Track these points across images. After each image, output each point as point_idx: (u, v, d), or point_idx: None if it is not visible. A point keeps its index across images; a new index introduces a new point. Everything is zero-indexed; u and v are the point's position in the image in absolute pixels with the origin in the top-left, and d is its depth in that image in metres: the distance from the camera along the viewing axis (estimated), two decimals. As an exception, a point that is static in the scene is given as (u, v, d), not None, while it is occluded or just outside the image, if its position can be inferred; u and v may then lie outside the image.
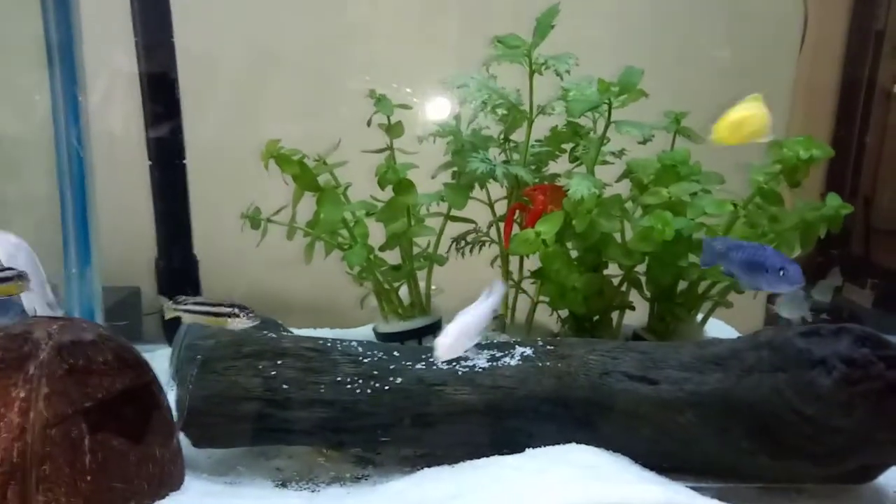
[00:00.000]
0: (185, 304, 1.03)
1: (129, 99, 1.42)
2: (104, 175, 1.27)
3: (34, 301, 1.13)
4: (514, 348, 1.00)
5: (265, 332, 1.03)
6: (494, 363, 0.98)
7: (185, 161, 1.31)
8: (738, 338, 0.95)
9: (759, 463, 0.89)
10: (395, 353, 1.01)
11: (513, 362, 0.98)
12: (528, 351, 0.99)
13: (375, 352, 1.01)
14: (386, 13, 1.56)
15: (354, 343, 1.02)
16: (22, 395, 0.81)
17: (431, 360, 0.99)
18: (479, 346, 1.01)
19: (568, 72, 1.11)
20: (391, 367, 0.98)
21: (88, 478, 0.81)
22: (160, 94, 1.39)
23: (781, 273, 0.92)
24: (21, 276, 1.00)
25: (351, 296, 1.33)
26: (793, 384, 0.86)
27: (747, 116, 0.92)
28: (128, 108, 1.42)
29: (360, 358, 0.99)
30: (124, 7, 1.39)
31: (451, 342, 0.91)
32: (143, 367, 0.90)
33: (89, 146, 1.22)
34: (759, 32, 1.84)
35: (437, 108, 1.32)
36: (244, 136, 1.27)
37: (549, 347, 1.00)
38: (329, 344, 1.00)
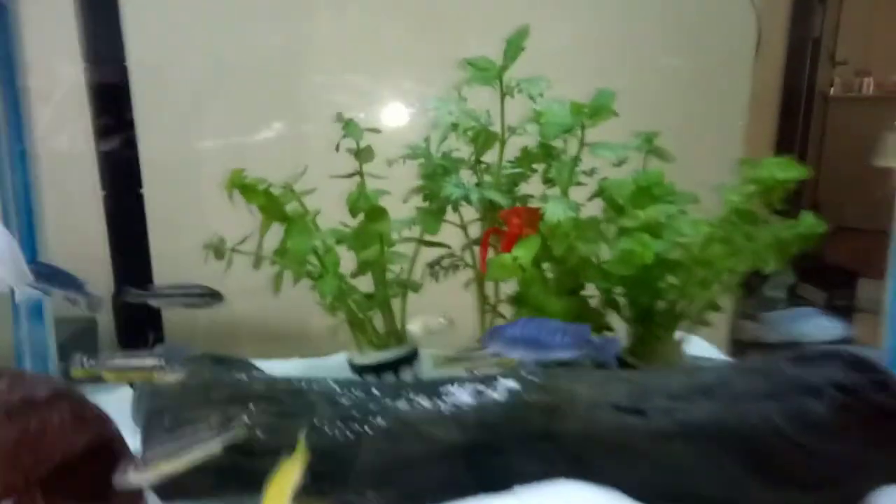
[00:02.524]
0: (102, 362, 0.89)
1: (79, 120, 1.32)
2: (55, 202, 1.17)
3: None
4: (497, 381, 0.94)
5: (235, 373, 0.94)
6: (479, 399, 0.92)
7: (141, 190, 1.21)
8: (728, 364, 0.91)
9: (752, 492, 0.85)
10: (374, 391, 0.94)
11: (498, 397, 0.92)
12: (514, 384, 0.93)
13: (353, 390, 0.93)
14: (358, 30, 1.49)
15: (331, 381, 0.95)
16: (-33, 464, 0.71)
17: (412, 397, 0.92)
18: (462, 381, 0.95)
19: (541, 95, 1.06)
20: (370, 406, 0.91)
21: (45, 551, 0.72)
22: (112, 116, 1.29)
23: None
24: None
25: (323, 323, 1.25)
26: (784, 412, 0.82)
27: None
28: (77, 132, 1.32)
29: (338, 398, 0.91)
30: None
31: None
32: (104, 423, 0.81)
33: (36, 172, 1.12)
34: (713, 42, 1.83)
35: (408, 129, 1.25)
36: (207, 161, 1.18)
37: (534, 379, 0.94)
38: (304, 385, 0.93)
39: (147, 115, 1.35)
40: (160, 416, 0.89)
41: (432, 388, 0.94)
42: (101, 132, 1.28)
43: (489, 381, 0.95)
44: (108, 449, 0.80)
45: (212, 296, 1.09)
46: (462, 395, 0.92)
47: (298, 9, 1.48)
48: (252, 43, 1.46)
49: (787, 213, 1.04)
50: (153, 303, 1.08)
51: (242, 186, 0.99)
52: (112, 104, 1.29)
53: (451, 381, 0.96)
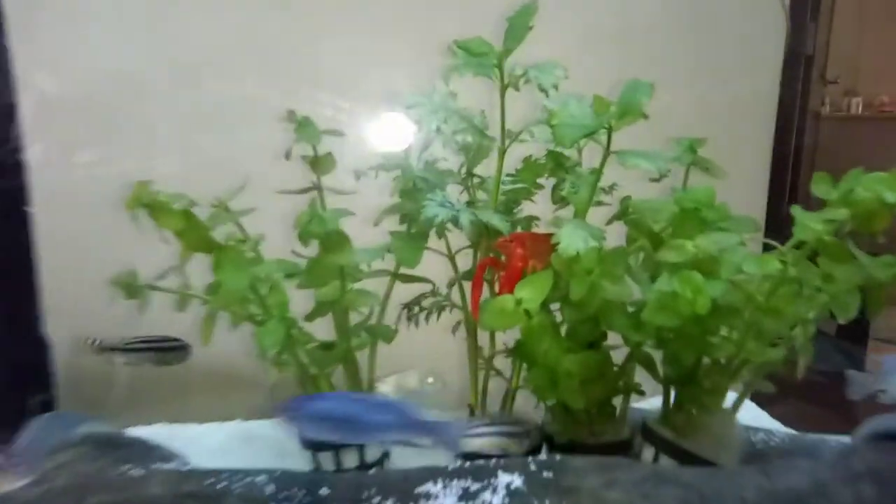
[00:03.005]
0: None
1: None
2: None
3: None
4: (496, 476, 0.68)
5: (128, 465, 0.68)
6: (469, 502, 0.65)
7: (29, 209, 0.95)
8: (817, 456, 0.66)
9: None
10: (324, 491, 0.67)
11: (496, 502, 0.65)
12: (517, 481, 0.67)
13: (294, 491, 0.67)
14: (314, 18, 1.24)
15: (263, 478, 0.68)
16: None
17: (378, 502, 0.66)
18: (447, 474, 0.69)
19: (556, 87, 0.81)
20: (315, 518, 0.64)
21: None
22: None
23: None
24: None
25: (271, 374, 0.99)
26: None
27: None
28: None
29: (265, 501, 0.65)
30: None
31: None
32: None
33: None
34: (742, 47, 1.61)
35: (383, 134, 1.00)
36: (117, 174, 0.92)
37: (546, 475, 0.68)
38: (222, 485, 0.66)
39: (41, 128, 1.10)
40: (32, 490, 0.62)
41: (407, 488, 0.68)
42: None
43: (485, 475, 0.69)
44: None
45: (183, 349, 0.99)
46: (446, 500, 0.66)
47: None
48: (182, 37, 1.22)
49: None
50: (120, 360, 0.88)
51: (152, 205, 0.73)
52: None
53: (434, 474, 0.70)
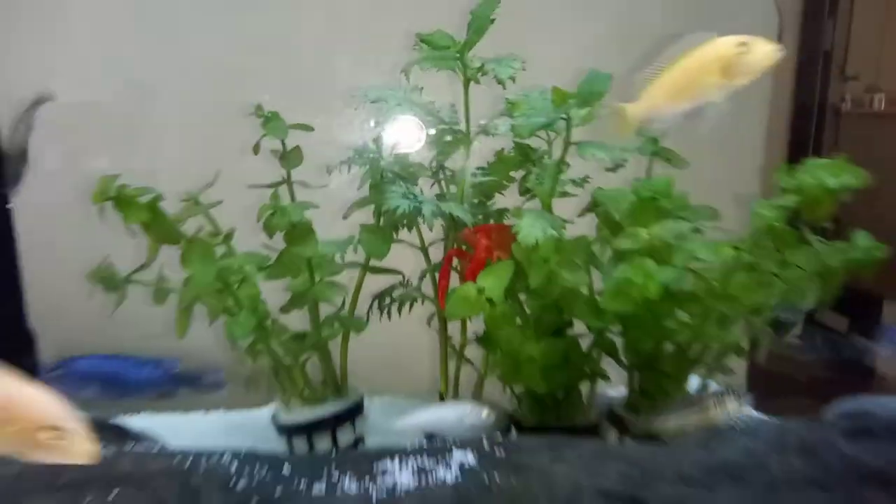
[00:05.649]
0: None
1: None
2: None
3: None
4: (450, 454, 0.75)
5: (101, 445, 0.75)
6: (423, 480, 0.72)
7: (9, 206, 1.03)
8: (756, 433, 0.72)
9: None
10: (285, 471, 0.74)
11: (448, 478, 0.72)
12: (471, 459, 0.74)
13: (256, 469, 0.74)
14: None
15: (227, 457, 0.75)
16: None
17: (336, 477, 0.73)
18: (405, 453, 0.76)
19: (512, 79, 0.88)
20: (277, 493, 0.71)
21: None
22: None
23: None
24: None
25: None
26: (842, 508, 0.62)
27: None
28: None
29: (233, 483, 0.72)
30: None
31: None
32: None
33: None
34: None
35: (353, 128, 1.07)
36: (96, 168, 0.99)
37: (498, 453, 0.75)
38: (190, 464, 0.73)
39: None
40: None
41: (365, 464, 0.75)
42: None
43: (440, 453, 0.76)
44: None
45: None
46: (401, 476, 0.73)
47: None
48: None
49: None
50: None
51: (117, 198, 0.81)
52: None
53: (392, 453, 0.77)
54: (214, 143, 1.16)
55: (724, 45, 0.65)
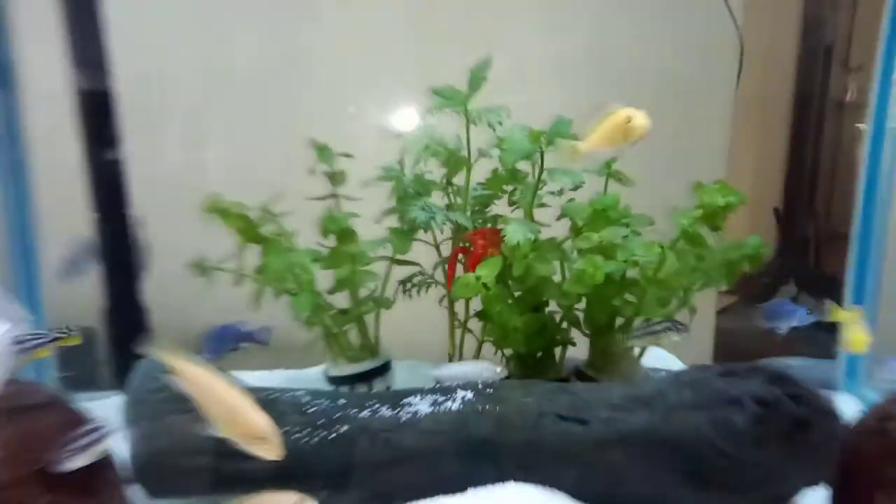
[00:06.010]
0: None
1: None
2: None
3: None
4: (455, 392, 1.08)
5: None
6: (436, 408, 1.06)
7: (131, 212, 1.38)
8: (663, 377, 1.05)
9: (683, 495, 0.98)
10: (341, 401, 1.08)
11: (454, 407, 1.06)
12: (469, 395, 1.07)
13: (321, 400, 1.08)
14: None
15: (301, 392, 1.09)
16: (-28, 462, 0.86)
17: (376, 407, 1.06)
18: (424, 393, 1.09)
19: (500, 123, 1.20)
20: (336, 415, 1.05)
21: (41, 538, 0.87)
22: (102, 137, 1.45)
23: None
24: None
25: (304, 336, 1.40)
26: (711, 421, 0.95)
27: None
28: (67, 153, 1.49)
29: (306, 408, 1.06)
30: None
31: None
32: (92, 425, 0.96)
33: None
34: (698, 57, 1.95)
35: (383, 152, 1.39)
36: (195, 178, 1.33)
37: (488, 391, 1.08)
38: (276, 395, 1.07)
39: (136, 133, 1.52)
40: (144, 422, 1.04)
41: (396, 398, 1.09)
42: (91, 152, 1.44)
43: (449, 392, 1.09)
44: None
45: None
46: (421, 405, 1.06)
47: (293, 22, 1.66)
48: (247, 52, 1.64)
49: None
50: None
51: (220, 211, 1.15)
52: (101, 121, 1.45)
53: (415, 392, 1.11)
54: (283, 164, 1.50)
55: (619, 117, 0.97)
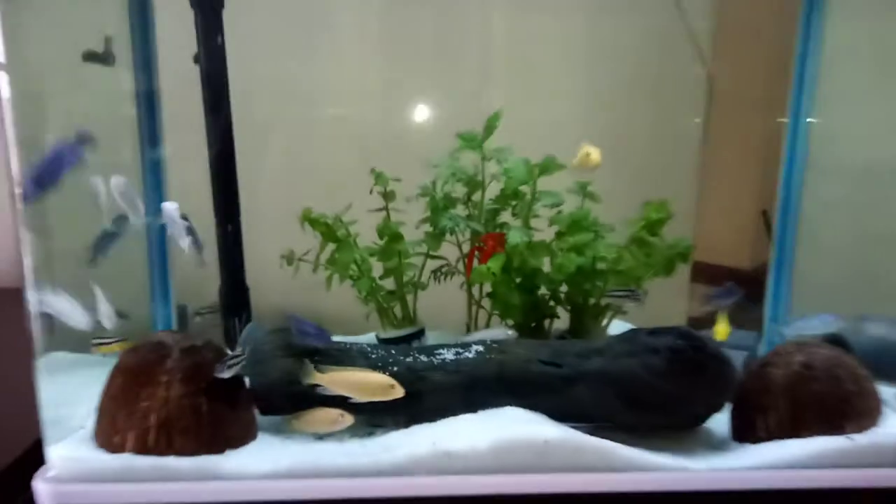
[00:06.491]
0: None
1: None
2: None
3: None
4: (471, 346, 1.58)
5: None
6: (458, 356, 1.55)
7: (239, 222, 1.88)
8: (612, 335, 1.54)
9: (627, 416, 1.46)
10: (392, 351, 1.58)
11: (470, 355, 1.55)
12: (481, 348, 1.56)
13: (379, 351, 1.58)
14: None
15: (365, 345, 1.59)
16: (164, 379, 1.37)
17: (416, 355, 1.56)
18: (450, 347, 1.59)
19: (506, 160, 1.70)
20: (390, 360, 1.55)
21: (206, 429, 1.37)
22: (222, 156, 1.94)
23: None
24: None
25: (360, 312, 1.90)
26: (641, 364, 1.43)
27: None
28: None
29: (370, 355, 1.56)
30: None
31: None
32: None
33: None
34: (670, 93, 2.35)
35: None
36: (289, 196, 1.84)
37: (494, 345, 1.57)
38: (349, 346, 1.58)
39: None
40: (258, 364, 1.54)
41: (430, 350, 1.58)
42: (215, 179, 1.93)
43: (468, 346, 1.59)
44: (235, 377, 1.45)
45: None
46: (448, 355, 1.56)
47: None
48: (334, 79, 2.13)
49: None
50: None
51: (311, 220, 1.66)
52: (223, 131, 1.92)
53: (444, 346, 1.60)
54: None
55: (582, 153, 1.47)
